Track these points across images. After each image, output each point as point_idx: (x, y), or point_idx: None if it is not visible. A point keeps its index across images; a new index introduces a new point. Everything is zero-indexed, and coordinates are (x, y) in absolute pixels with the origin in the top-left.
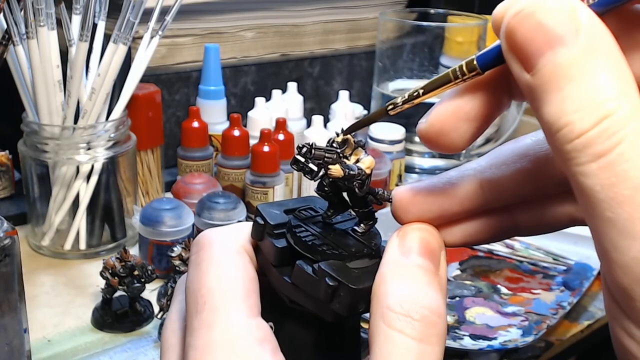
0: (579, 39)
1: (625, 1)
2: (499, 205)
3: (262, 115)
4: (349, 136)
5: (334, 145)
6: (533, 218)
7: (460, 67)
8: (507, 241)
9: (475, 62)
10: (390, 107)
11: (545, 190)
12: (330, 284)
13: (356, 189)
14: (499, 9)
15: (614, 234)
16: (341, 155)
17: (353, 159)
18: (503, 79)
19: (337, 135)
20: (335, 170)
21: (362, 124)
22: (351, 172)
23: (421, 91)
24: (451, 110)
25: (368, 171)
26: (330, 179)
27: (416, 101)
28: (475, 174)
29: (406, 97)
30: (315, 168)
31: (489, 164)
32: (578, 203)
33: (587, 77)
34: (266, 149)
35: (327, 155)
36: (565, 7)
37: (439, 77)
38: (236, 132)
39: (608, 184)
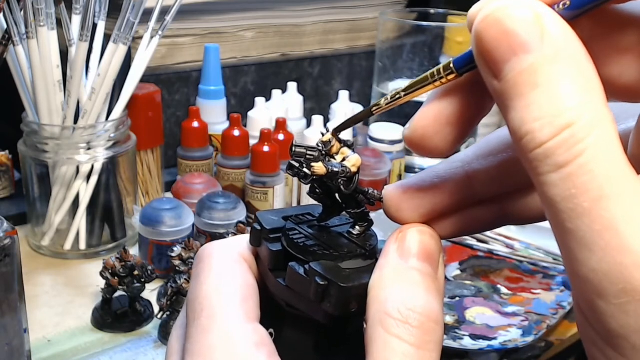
0: (543, 45)
1: (600, 3)
2: (489, 196)
3: (262, 115)
4: (332, 135)
5: (319, 145)
6: (521, 207)
7: (438, 69)
8: (507, 241)
9: (452, 65)
10: (375, 107)
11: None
12: (320, 282)
13: (342, 187)
14: (473, 10)
15: (573, 246)
16: (324, 153)
17: (339, 157)
18: (483, 82)
19: (323, 135)
20: (318, 167)
21: (349, 123)
22: (334, 170)
23: (402, 93)
24: (433, 115)
25: (354, 169)
26: (314, 177)
27: (398, 102)
28: (463, 166)
29: (389, 99)
30: (309, 172)
31: (476, 154)
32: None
33: (549, 84)
34: (266, 149)
35: (308, 152)
36: (530, 13)
37: (418, 79)
38: (236, 132)
39: (568, 195)
